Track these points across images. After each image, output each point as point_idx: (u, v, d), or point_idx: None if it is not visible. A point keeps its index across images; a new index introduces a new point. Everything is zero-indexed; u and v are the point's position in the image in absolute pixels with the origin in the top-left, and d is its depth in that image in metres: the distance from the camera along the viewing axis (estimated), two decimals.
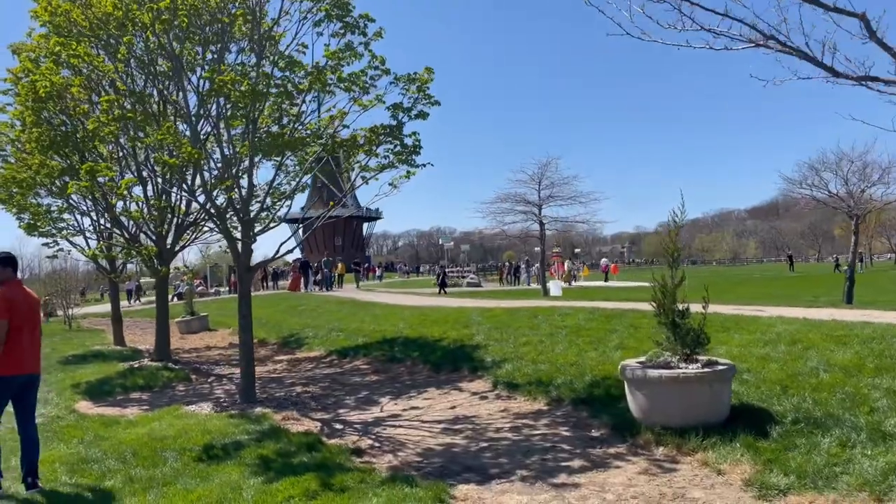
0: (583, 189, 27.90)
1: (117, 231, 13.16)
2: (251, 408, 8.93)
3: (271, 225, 9.32)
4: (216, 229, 13.65)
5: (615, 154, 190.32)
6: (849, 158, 17.02)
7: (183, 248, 13.55)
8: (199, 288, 43.18)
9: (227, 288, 44.68)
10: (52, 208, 12.86)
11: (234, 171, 8.71)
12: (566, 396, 8.30)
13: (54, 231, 12.96)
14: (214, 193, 8.86)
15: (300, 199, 41.03)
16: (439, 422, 8.05)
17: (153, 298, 44.25)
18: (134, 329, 24.11)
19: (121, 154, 12.33)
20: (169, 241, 13.12)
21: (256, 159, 8.75)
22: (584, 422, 7.47)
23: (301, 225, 15.00)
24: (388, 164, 8.84)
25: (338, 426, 8.20)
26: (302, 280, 27.52)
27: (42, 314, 31.87)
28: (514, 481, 5.74)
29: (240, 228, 9.18)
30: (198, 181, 11.19)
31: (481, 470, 6.13)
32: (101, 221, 13.89)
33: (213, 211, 9.10)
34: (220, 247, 15.82)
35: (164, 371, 12.33)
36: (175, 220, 12.84)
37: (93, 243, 15.45)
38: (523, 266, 46.99)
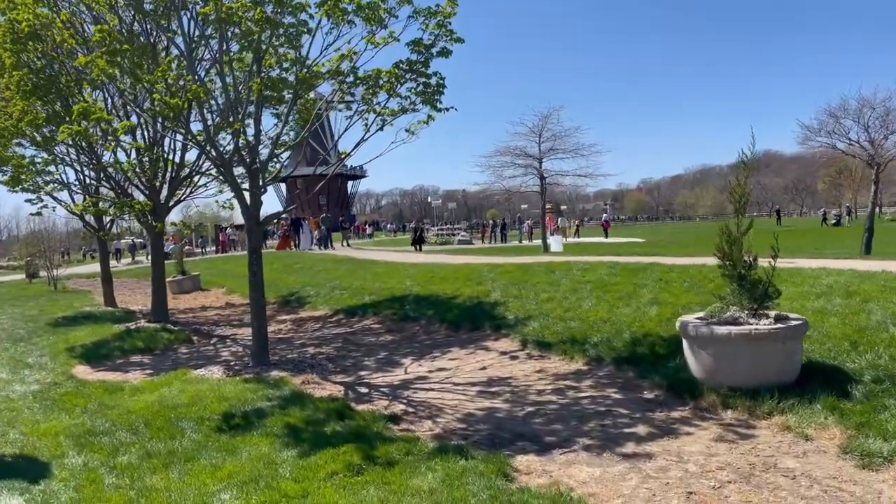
0: (584, 141, 26.98)
1: (106, 185, 12.26)
2: (266, 371, 8.32)
3: (281, 175, 8.52)
4: (217, 180, 12.87)
5: (596, 110, 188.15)
6: (870, 105, 16.40)
7: (178, 202, 12.70)
8: (186, 248, 42.17)
9: (214, 247, 43.70)
10: (37, 160, 11.92)
11: (239, 115, 7.90)
12: (606, 355, 7.77)
13: (40, 185, 12.04)
14: (220, 139, 8.05)
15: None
16: (472, 384, 7.50)
17: (134, 259, 43.25)
18: (121, 290, 23.20)
19: (107, 100, 11.39)
20: (163, 195, 12.28)
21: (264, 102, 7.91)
22: (632, 383, 6.95)
23: (286, 183, 14.26)
24: (410, 105, 8.05)
25: (363, 390, 7.62)
26: (297, 238, 26.44)
27: (25, 275, 30.97)
28: (577, 451, 5.20)
29: (247, 178, 8.41)
30: (198, 127, 10.40)
31: (535, 438, 5.59)
32: (88, 175, 12.98)
33: (217, 159, 8.30)
34: (218, 202, 15.01)
35: (164, 333, 11.65)
36: (169, 172, 11.98)
37: (78, 199, 14.59)
38: (499, 226, 46.05)
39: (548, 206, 44.65)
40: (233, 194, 9.65)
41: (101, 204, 12.17)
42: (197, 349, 10.86)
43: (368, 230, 59.64)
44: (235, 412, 6.49)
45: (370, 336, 10.93)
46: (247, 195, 8.57)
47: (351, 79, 7.62)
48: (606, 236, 43.26)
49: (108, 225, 16.30)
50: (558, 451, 5.22)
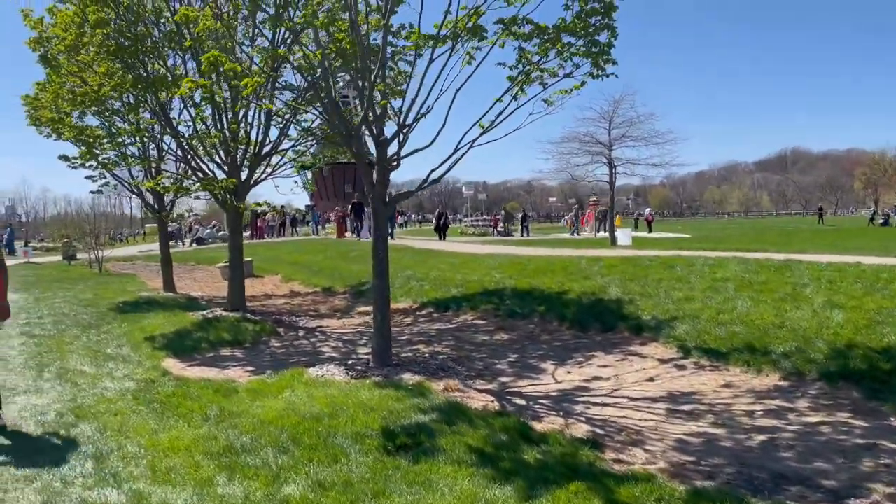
0: (659, 128, 25.33)
1: (185, 161, 11.16)
2: (395, 374, 7.19)
3: (416, 148, 7.33)
4: (294, 162, 11.76)
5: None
6: None
7: (257, 182, 11.61)
8: (221, 233, 41.32)
9: (251, 233, 42.78)
10: (112, 131, 10.86)
11: (374, 72, 6.73)
12: (806, 369, 6.57)
13: (115, 159, 10.99)
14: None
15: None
16: (652, 399, 6.34)
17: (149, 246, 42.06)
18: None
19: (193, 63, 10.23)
20: (244, 174, 11.20)
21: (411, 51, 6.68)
22: (865, 406, 5.76)
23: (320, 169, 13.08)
24: (573, 67, 6.79)
25: (518, 401, 6.48)
26: (358, 225, 25.07)
27: (63, 257, 30.22)
28: (880, 502, 4.02)
29: (375, 150, 7.27)
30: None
31: (805, 480, 4.41)
32: (170, 148, 11.91)
33: (342, 128, 7.15)
34: (297, 182, 13.94)
35: (247, 324, 10.58)
36: (254, 148, 10.89)
37: (142, 175, 13.59)
38: (518, 217, 44.12)
39: (592, 198, 43.45)
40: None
41: (182, 181, 11.10)
42: (290, 343, 9.78)
43: (400, 219, 58.50)
44: (394, 428, 5.36)
45: (481, 334, 9.78)
46: (373, 172, 7.44)
47: (528, 27, 6.35)
48: (650, 231, 41.77)
49: (169, 205, 15.31)
50: (854, 501, 4.04)
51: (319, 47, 6.72)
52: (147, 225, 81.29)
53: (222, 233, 40.84)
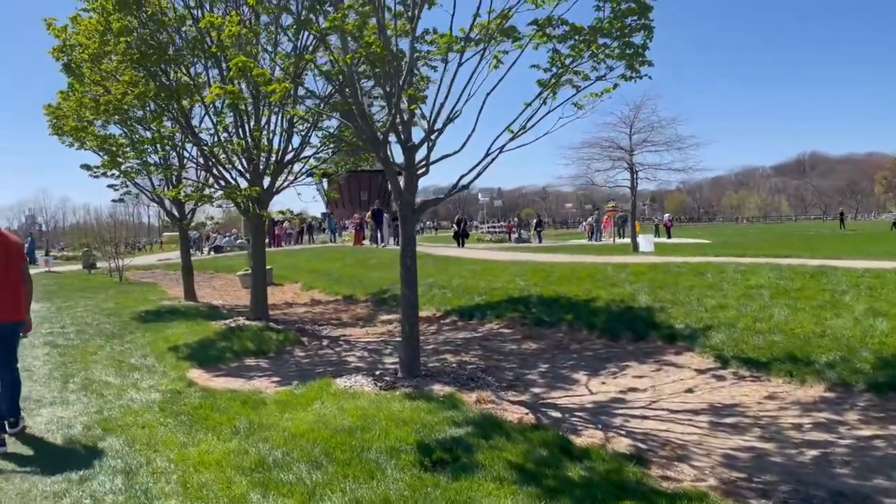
0: (681, 132, 24.88)
1: (209, 168, 11.07)
2: (425, 384, 7.02)
3: (444, 154, 7.18)
4: (314, 172, 11.66)
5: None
6: None
7: (279, 190, 11.52)
8: (239, 241, 41.44)
9: (268, 241, 42.85)
10: (134, 140, 10.82)
11: (402, 76, 6.60)
12: (852, 379, 6.33)
13: (137, 167, 10.96)
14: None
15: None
16: (693, 412, 6.12)
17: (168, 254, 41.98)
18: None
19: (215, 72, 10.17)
20: (266, 182, 11.11)
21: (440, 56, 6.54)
22: None
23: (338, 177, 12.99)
24: (607, 69, 6.60)
25: (554, 414, 6.28)
26: (378, 232, 24.89)
27: (83, 266, 30.38)
28: None
29: (402, 156, 7.12)
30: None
31: (866, 499, 4.18)
32: (191, 156, 11.88)
33: (367, 134, 7.03)
34: (319, 189, 13.85)
35: (271, 333, 10.47)
36: (275, 156, 10.80)
37: (161, 183, 13.56)
38: (532, 223, 43.74)
39: (612, 204, 43.08)
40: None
41: (205, 190, 11.03)
42: (314, 352, 9.65)
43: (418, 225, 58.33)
44: (430, 442, 5.19)
45: (508, 343, 9.60)
46: (400, 179, 7.30)
47: (561, 30, 6.18)
48: (669, 236, 41.32)
49: (190, 214, 15.29)
50: None
51: (347, 52, 6.61)
52: (165, 234, 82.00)
53: (240, 241, 40.97)
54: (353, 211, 73.88)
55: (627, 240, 37.35)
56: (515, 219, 48.33)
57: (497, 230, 50.11)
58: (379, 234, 24.90)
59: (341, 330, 11.64)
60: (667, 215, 52.37)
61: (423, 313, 12.60)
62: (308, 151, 12.01)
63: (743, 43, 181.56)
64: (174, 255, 40.55)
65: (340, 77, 6.04)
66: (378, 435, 5.36)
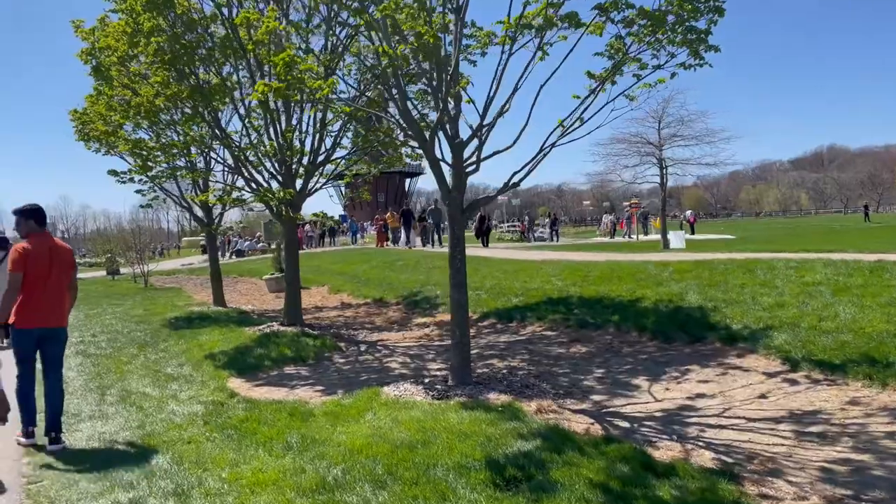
0: (712, 126, 24.25)
1: (240, 170, 10.76)
2: (478, 392, 6.67)
3: (496, 150, 6.83)
4: (335, 181, 11.34)
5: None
6: None
7: (311, 193, 11.22)
8: (260, 244, 41.38)
9: None
10: (164, 142, 10.57)
11: (450, 67, 6.26)
12: None
13: (168, 171, 10.73)
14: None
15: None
16: (773, 419, 5.72)
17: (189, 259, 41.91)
18: (208, 287, 22.00)
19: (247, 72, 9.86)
20: (298, 184, 10.82)
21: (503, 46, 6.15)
22: None
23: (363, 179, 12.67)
24: (668, 56, 6.20)
25: (621, 423, 5.91)
26: (405, 233, 24.50)
27: (107, 272, 30.38)
28: None
29: (450, 153, 6.78)
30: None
31: None
32: (222, 160, 11.59)
33: (412, 129, 6.70)
34: (336, 191, 13.57)
35: (307, 339, 10.17)
36: (309, 157, 10.51)
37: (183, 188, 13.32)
38: (547, 220, 42.95)
39: (634, 200, 42.50)
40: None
41: (234, 194, 10.76)
42: (354, 359, 9.34)
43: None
44: (498, 458, 4.84)
45: (554, 346, 9.23)
46: (448, 176, 6.97)
47: (627, 12, 5.78)
48: (693, 232, 40.62)
49: (217, 218, 15.07)
50: None
51: (390, 45, 6.29)
52: (184, 239, 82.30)
53: (261, 244, 40.88)
54: (370, 212, 73.70)
55: (650, 237, 36.86)
56: (526, 218, 47.48)
57: (517, 228, 49.45)
58: (405, 236, 24.54)
59: (377, 334, 11.32)
60: (689, 211, 51.58)
61: None
62: (339, 153, 11.75)
63: (750, 40, 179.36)
64: (195, 260, 40.56)
65: (388, 70, 5.70)
66: (441, 450, 5.03)
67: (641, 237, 35.06)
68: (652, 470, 4.59)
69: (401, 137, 11.00)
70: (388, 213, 34.58)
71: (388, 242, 27.78)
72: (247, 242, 41.73)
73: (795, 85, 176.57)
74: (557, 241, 38.01)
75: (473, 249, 24.04)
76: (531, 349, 9.14)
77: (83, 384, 8.18)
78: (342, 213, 61.97)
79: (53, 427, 5.73)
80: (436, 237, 24.52)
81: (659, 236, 39.01)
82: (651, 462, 4.74)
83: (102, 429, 6.31)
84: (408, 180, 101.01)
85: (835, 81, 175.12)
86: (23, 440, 5.75)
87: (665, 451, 5.08)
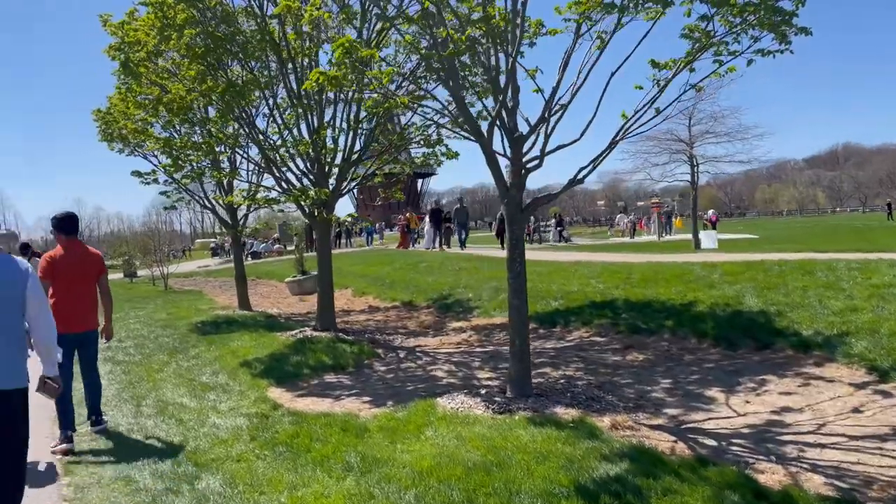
0: (745, 122, 23.68)
1: (271, 170, 10.32)
2: (542, 406, 6.19)
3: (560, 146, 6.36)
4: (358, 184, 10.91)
5: None
6: None
7: (343, 193, 10.78)
8: (276, 246, 41.10)
9: (305, 245, 42.36)
10: (195, 140, 10.16)
11: (513, 55, 5.80)
12: None
13: (199, 169, 10.31)
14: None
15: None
16: (879, 437, 5.20)
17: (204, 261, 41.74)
18: (228, 290, 21.64)
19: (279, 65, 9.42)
20: (331, 184, 10.39)
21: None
22: None
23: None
24: (752, 39, 5.70)
25: (706, 441, 5.40)
26: (437, 232, 23.83)
27: (125, 275, 30.13)
28: None
29: (508, 148, 6.31)
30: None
31: None
32: (250, 158, 11.17)
33: (467, 122, 6.24)
34: (355, 193, 13.15)
35: (343, 345, 9.73)
36: (343, 154, 10.07)
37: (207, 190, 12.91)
38: (553, 223, 41.72)
39: (655, 199, 41.84)
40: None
41: (261, 193, 10.35)
42: (396, 366, 8.88)
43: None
44: (587, 483, 4.36)
45: (608, 353, 8.73)
46: (506, 172, 6.50)
47: None
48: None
49: (242, 220, 14.67)
50: None
51: (444, 29, 5.84)
52: (197, 241, 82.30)
53: (277, 246, 40.59)
54: (381, 213, 73.26)
55: (673, 236, 36.19)
56: (532, 219, 45.97)
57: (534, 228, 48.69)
58: (431, 236, 24.02)
59: (413, 340, 10.87)
60: (711, 211, 50.81)
61: (495, 320, 11.81)
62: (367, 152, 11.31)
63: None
64: (211, 262, 40.30)
65: (444, 60, 5.23)
66: (521, 473, 4.55)
67: (666, 237, 34.43)
68: (765, 499, 4.11)
69: (436, 134, 10.56)
70: (409, 213, 34.11)
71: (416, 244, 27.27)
72: (263, 244, 41.42)
73: (808, 84, 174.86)
74: (566, 242, 37.18)
75: (494, 251, 23.56)
76: (583, 356, 8.65)
77: (116, 393, 7.78)
78: (352, 212, 61.62)
79: (94, 412, 6.22)
80: (463, 237, 24.03)
81: (681, 236, 38.41)
82: (760, 489, 4.25)
83: (145, 444, 5.90)
84: (420, 181, 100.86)
85: (847, 80, 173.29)
86: (60, 447, 5.68)
87: (769, 474, 4.58)
